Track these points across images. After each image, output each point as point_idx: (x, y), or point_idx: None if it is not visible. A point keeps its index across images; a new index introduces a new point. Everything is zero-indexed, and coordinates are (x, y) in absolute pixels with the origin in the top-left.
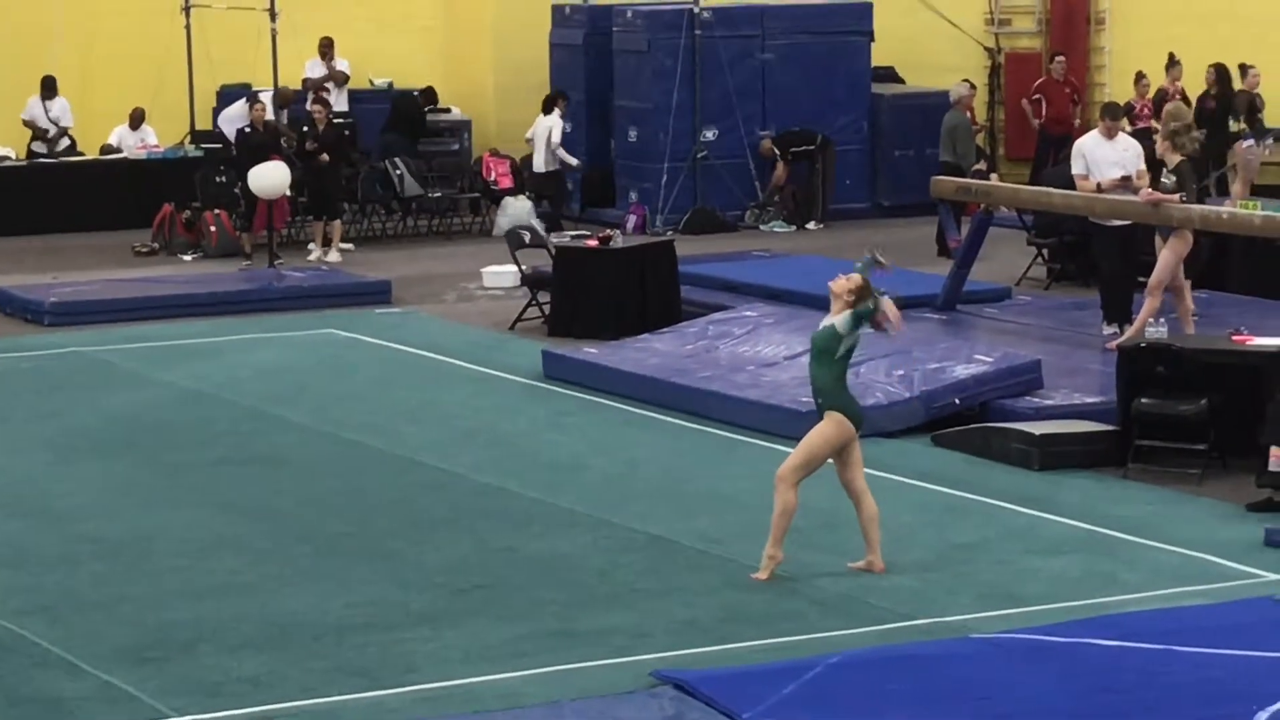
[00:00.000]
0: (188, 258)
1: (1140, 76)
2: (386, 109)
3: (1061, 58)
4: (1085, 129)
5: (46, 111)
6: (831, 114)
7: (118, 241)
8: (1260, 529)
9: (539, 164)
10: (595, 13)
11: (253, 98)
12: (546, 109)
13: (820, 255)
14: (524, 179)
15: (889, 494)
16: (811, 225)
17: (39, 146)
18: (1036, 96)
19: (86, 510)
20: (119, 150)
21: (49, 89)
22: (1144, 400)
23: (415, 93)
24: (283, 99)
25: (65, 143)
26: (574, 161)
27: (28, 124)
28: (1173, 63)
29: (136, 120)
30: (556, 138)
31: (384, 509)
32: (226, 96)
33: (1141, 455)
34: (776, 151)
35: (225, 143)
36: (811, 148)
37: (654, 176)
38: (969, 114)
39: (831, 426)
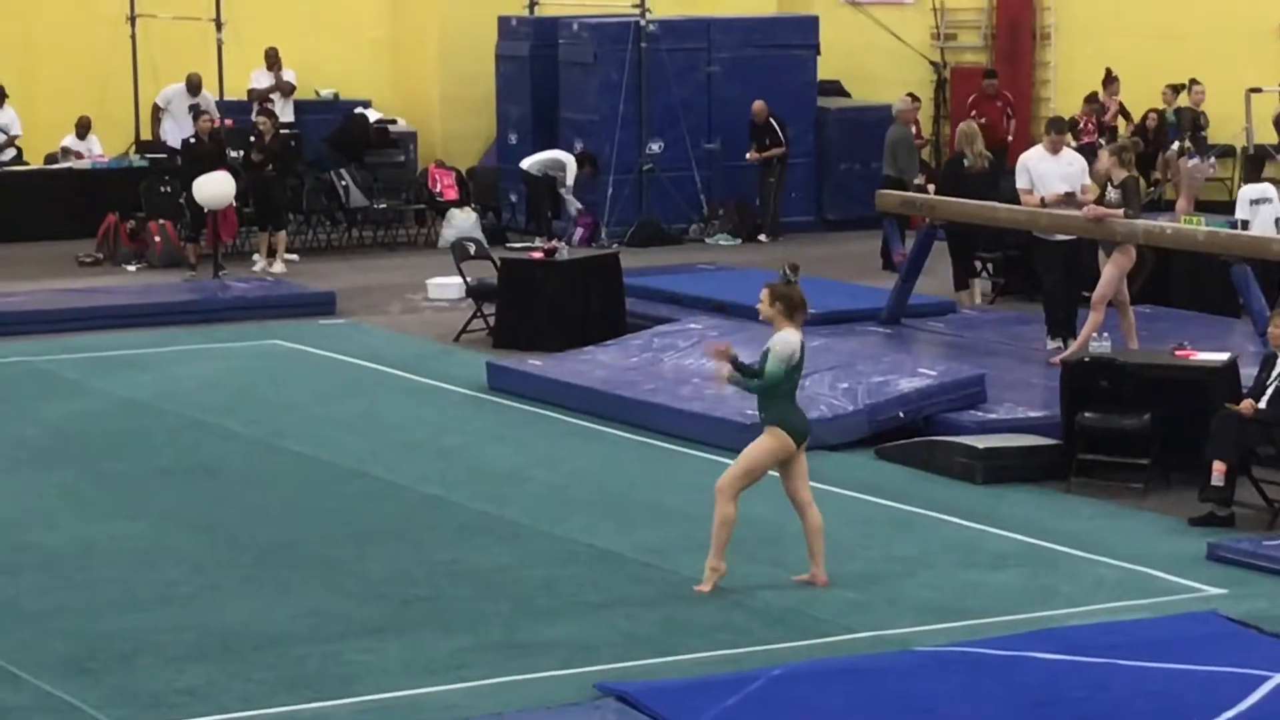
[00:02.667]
0: (132, 268)
1: (1092, 97)
2: (332, 119)
3: (993, 80)
4: (1026, 142)
5: None
6: None
7: (62, 251)
8: (1203, 543)
9: (529, 163)
10: (542, 25)
11: (196, 109)
12: (580, 163)
13: (766, 269)
14: (470, 189)
15: (832, 507)
16: (762, 238)
17: None
18: (973, 112)
19: (26, 520)
20: (71, 157)
21: None
22: (1087, 415)
23: (371, 119)
24: (192, 86)
25: (11, 152)
26: (579, 206)
27: None
28: (1109, 79)
29: (83, 129)
30: (570, 181)
31: (326, 520)
32: None
33: (1084, 469)
34: (775, 123)
35: (170, 152)
36: (782, 150)
37: (600, 189)
38: (912, 128)
39: (771, 440)
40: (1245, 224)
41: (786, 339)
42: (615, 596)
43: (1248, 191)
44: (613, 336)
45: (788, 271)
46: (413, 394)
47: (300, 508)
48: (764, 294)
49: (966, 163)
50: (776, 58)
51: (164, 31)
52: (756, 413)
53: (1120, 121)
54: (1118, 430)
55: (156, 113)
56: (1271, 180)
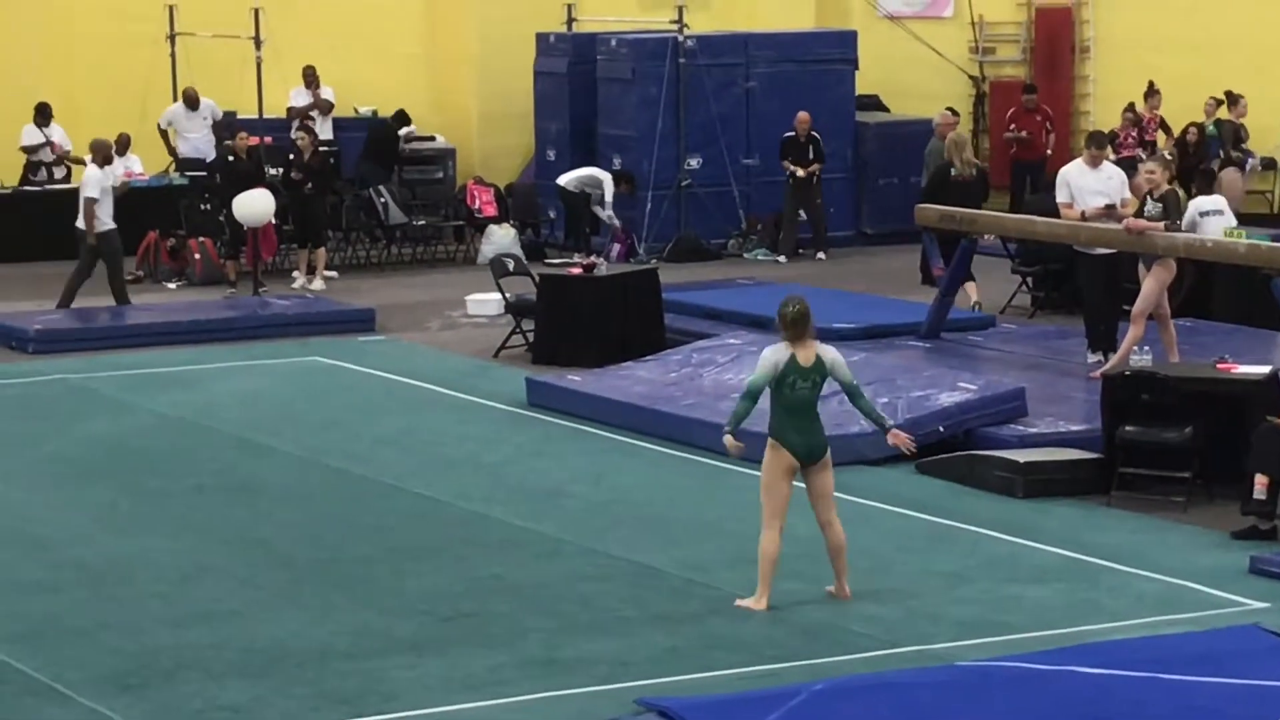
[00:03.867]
0: (172, 285)
1: (1129, 108)
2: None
3: (1032, 94)
4: (1066, 156)
5: (48, 138)
6: None
7: (102, 269)
8: (1245, 557)
9: (567, 180)
10: (580, 41)
11: (233, 126)
12: (617, 181)
13: (804, 283)
14: (509, 205)
15: (872, 521)
16: (820, 255)
17: (34, 173)
18: (1012, 126)
19: (68, 537)
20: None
21: (44, 115)
22: (1128, 428)
23: (388, 118)
24: (189, 101)
25: (62, 170)
26: (616, 223)
27: (26, 150)
28: (1151, 91)
29: (122, 147)
30: (609, 197)
31: (366, 536)
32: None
33: (1126, 483)
34: (817, 135)
35: (209, 170)
36: (820, 165)
37: (638, 204)
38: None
39: (768, 451)
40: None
41: (766, 349)
42: (655, 612)
43: (1199, 203)
44: (652, 352)
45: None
46: (452, 410)
47: (340, 524)
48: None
49: (954, 171)
50: (815, 73)
51: (203, 50)
52: None
53: (1160, 135)
54: (1159, 444)
55: (164, 134)
56: None
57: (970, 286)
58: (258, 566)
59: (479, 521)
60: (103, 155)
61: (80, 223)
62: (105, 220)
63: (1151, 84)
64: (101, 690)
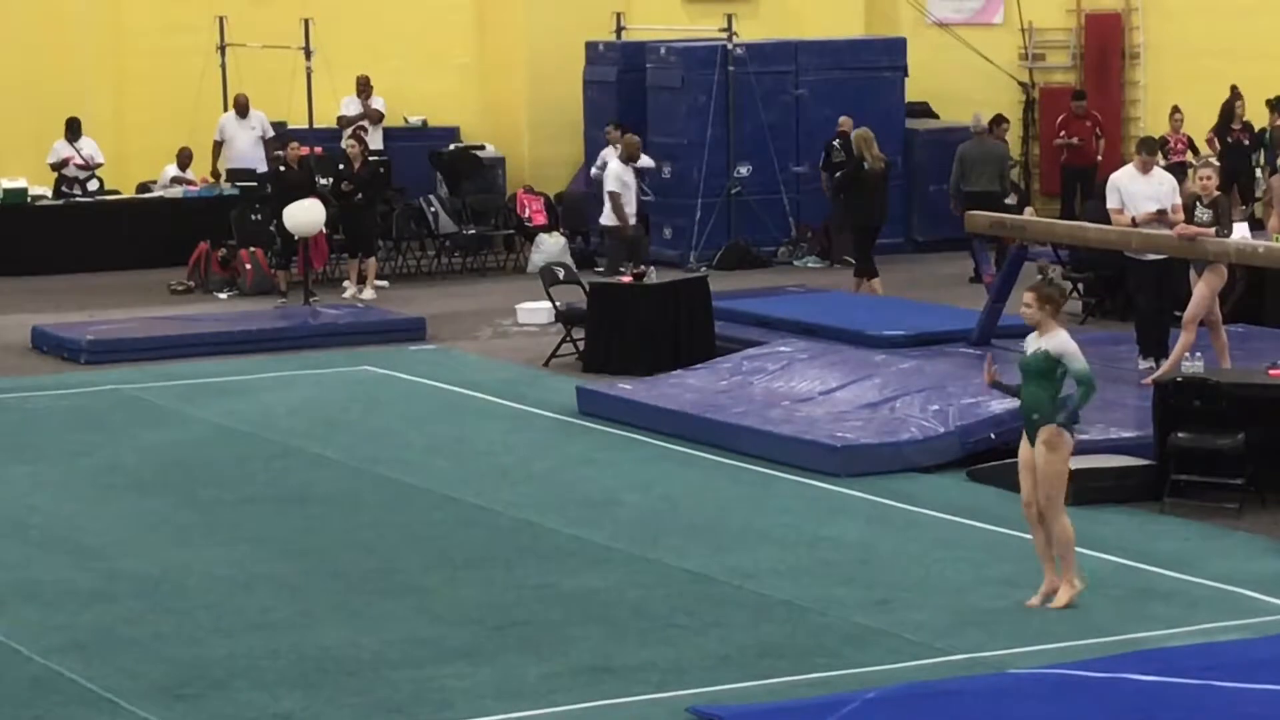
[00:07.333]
0: (223, 296)
1: (1175, 110)
2: (420, 146)
3: (1081, 100)
4: (1116, 162)
5: (78, 152)
6: None
7: (154, 280)
8: None
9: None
10: (629, 49)
11: (284, 136)
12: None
13: (853, 291)
14: (559, 214)
15: (924, 528)
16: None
17: (69, 187)
18: (1062, 132)
19: (121, 547)
20: (169, 186)
21: (73, 130)
22: (1180, 435)
23: (469, 148)
24: (240, 108)
25: (94, 183)
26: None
27: (54, 166)
28: (1236, 96)
29: (184, 160)
30: (646, 164)
31: (418, 545)
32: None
33: (1178, 490)
34: (835, 143)
35: (260, 181)
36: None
37: (688, 212)
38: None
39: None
40: None
41: (1068, 339)
42: (707, 620)
43: None
44: (702, 360)
45: (1046, 274)
46: (503, 419)
47: (392, 533)
48: (1030, 298)
49: (866, 165)
50: (864, 80)
51: (254, 61)
52: (1024, 423)
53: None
54: (1211, 450)
55: (217, 148)
56: None
57: (876, 283)
58: (310, 576)
59: (530, 530)
60: (628, 153)
61: (606, 219)
62: (629, 213)
63: (1235, 89)
64: (154, 700)
